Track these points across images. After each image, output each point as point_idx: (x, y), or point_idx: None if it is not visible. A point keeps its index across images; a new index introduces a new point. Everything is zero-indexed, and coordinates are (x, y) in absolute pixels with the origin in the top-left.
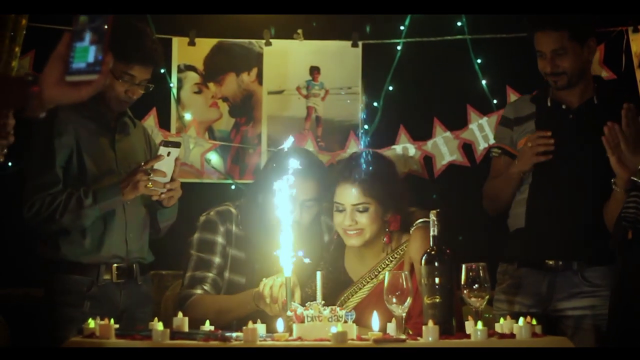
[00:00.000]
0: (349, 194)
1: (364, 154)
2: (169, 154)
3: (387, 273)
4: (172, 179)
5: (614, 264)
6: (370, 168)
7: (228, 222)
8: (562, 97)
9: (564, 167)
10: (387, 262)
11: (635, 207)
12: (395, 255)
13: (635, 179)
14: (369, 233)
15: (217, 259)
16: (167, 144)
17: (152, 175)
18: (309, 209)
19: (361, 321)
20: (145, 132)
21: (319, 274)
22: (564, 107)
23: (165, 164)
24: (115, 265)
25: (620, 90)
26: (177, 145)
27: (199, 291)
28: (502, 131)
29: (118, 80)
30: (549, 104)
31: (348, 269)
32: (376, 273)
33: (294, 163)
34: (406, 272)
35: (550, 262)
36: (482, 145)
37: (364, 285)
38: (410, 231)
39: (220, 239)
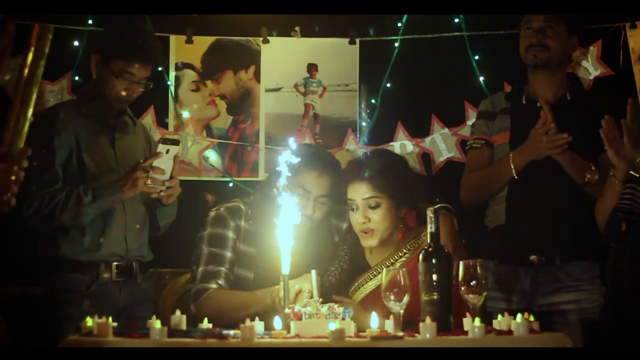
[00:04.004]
0: (360, 190)
1: (374, 151)
2: (167, 151)
3: (384, 270)
4: (171, 177)
5: (596, 258)
6: (380, 165)
7: (237, 218)
8: (537, 93)
9: (541, 163)
10: (404, 250)
11: (630, 199)
12: (414, 245)
13: (634, 172)
14: (382, 232)
15: (228, 254)
16: (165, 141)
17: (151, 172)
18: (322, 206)
19: (374, 308)
20: (145, 130)
21: (314, 272)
22: (539, 104)
23: (164, 161)
24: (114, 263)
25: (613, 86)
26: (176, 142)
27: (213, 285)
28: (481, 124)
29: (117, 78)
30: (524, 101)
31: (367, 255)
32: (392, 261)
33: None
34: (404, 269)
35: (533, 258)
36: None
37: (379, 273)
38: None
39: (230, 234)
